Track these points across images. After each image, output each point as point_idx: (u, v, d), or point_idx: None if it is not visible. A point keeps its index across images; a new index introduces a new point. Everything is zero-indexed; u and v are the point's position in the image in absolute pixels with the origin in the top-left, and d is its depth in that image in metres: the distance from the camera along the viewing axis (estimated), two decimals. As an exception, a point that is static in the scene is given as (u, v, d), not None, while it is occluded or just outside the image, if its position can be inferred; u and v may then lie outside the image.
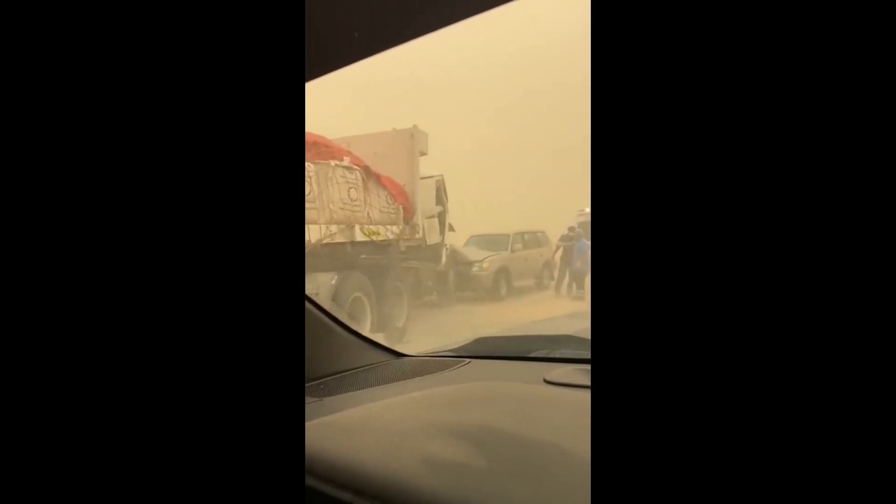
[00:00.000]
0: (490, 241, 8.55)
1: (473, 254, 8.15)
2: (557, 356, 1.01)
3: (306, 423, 0.64)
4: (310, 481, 0.56)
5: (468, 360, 1.04)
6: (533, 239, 9.07)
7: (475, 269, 7.84)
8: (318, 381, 0.97)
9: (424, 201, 6.98)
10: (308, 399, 0.86)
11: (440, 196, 7.32)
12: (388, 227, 6.33)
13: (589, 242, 8.24)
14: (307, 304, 0.99)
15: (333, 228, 5.24)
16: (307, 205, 4.65)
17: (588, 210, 7.99)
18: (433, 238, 7.10)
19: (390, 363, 1.10)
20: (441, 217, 7.35)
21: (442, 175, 7.33)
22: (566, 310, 7.08)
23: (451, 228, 7.96)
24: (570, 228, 8.37)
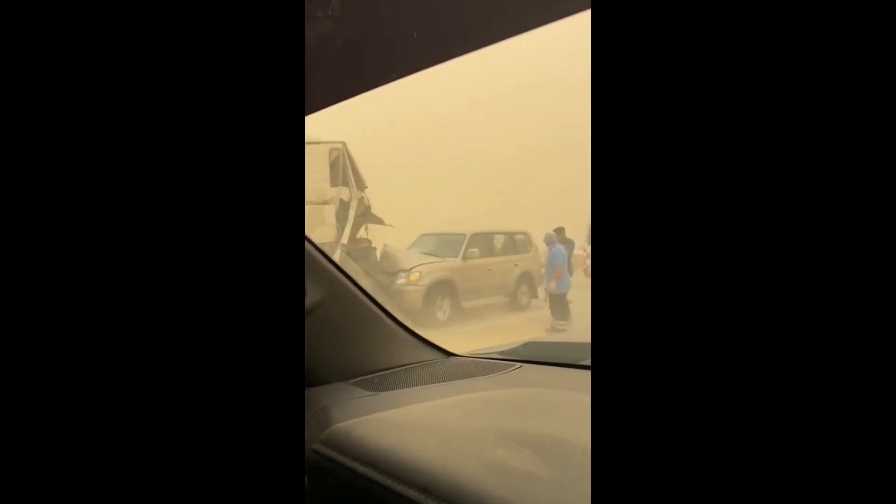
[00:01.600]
0: (445, 243, 6.15)
1: (412, 259, 5.77)
2: None
3: (365, 417, 0.72)
4: (374, 474, 0.59)
5: (519, 363, 1.02)
6: (508, 243, 6.56)
7: (401, 281, 5.44)
8: (371, 375, 0.97)
9: (310, 179, 4.83)
10: (363, 392, 0.89)
11: (341, 172, 5.08)
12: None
13: (565, 251, 5.68)
14: (364, 298, 1.00)
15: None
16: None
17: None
18: (322, 234, 4.90)
19: (441, 362, 1.08)
20: (344, 205, 5.13)
21: (343, 143, 5.08)
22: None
23: (376, 221, 5.70)
24: (557, 231, 5.79)
